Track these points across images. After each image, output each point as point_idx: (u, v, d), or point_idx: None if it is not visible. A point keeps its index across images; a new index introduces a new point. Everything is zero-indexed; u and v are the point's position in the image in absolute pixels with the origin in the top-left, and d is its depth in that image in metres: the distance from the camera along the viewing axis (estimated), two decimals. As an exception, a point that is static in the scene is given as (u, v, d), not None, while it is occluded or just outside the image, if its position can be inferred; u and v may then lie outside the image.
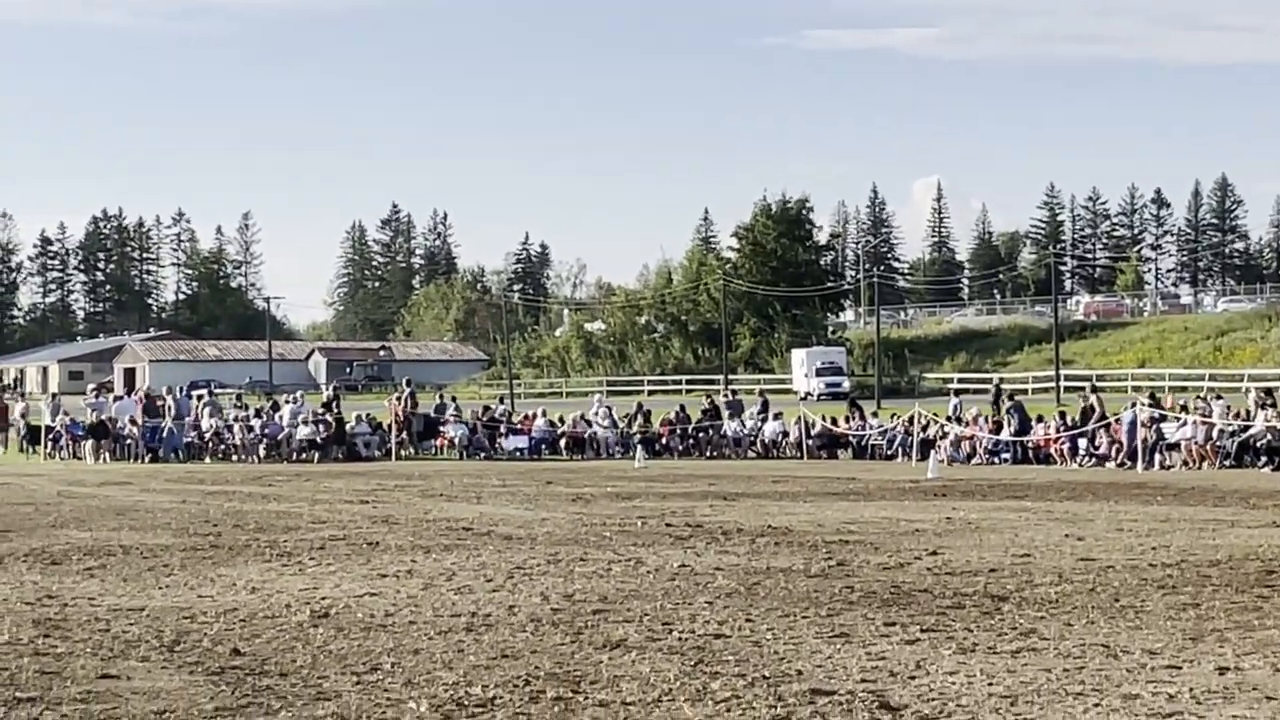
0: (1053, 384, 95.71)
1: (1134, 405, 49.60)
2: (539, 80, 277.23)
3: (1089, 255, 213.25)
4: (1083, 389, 60.99)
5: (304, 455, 54.15)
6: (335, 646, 12.40)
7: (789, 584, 16.16)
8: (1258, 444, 44.51)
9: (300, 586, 16.37)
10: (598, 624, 13.50)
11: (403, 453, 55.65)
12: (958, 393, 72.93)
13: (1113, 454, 47.13)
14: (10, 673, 11.29)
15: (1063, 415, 52.11)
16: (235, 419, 57.56)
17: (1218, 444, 45.43)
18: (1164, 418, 48.18)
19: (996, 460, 49.58)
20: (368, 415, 60.29)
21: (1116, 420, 48.27)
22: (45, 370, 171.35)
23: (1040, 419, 52.91)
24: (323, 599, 15.29)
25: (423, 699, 10.24)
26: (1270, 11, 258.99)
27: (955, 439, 52.01)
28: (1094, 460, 46.97)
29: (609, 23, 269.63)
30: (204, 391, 75.72)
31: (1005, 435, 51.39)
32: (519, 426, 59.80)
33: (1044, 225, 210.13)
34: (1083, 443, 48.19)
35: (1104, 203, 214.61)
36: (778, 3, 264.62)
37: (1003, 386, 61.58)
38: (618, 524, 24.15)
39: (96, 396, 59.92)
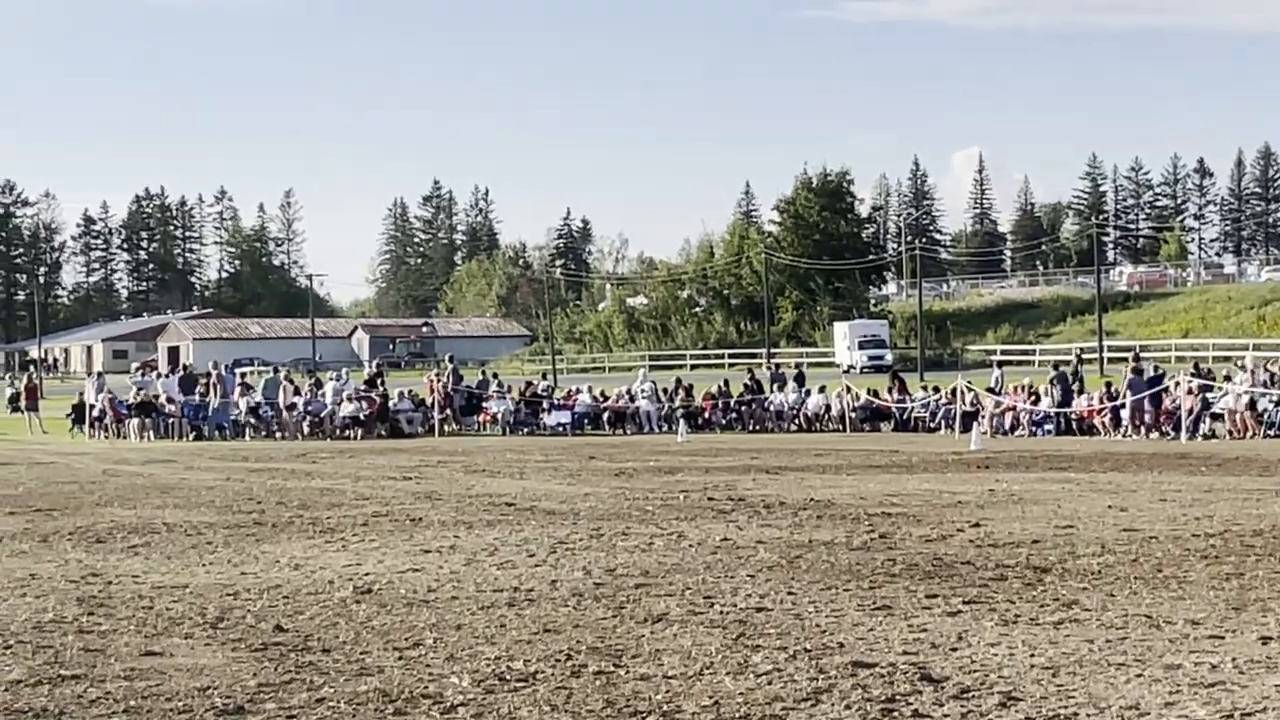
0: (1096, 355, 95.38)
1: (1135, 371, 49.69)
2: (580, 56, 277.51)
3: (1132, 226, 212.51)
4: (1125, 359, 60.95)
5: (347, 432, 54.33)
6: (378, 622, 12.44)
7: (831, 557, 16.15)
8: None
9: (343, 563, 16.43)
10: (639, 598, 13.52)
11: (446, 429, 55.82)
12: (1000, 364, 72.66)
13: (1158, 424, 47.06)
14: (55, 650, 11.34)
15: (1108, 385, 52.07)
16: (286, 395, 57.68)
17: (1261, 414, 45.33)
18: (1209, 387, 48.13)
19: (1039, 432, 49.52)
20: (410, 392, 60.39)
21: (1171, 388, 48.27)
22: (90, 349, 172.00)
23: (1082, 390, 52.91)
24: (366, 575, 15.33)
25: (465, 673, 10.26)
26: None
27: (997, 410, 52.00)
28: (1138, 430, 46.89)
29: (649, 0, 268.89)
30: (251, 369, 75.72)
31: (1045, 406, 51.32)
32: (561, 402, 59.84)
33: (1086, 196, 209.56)
34: (1124, 412, 48.16)
35: (1146, 173, 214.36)
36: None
37: (1083, 357, 61.31)
38: (660, 498, 24.17)
39: (140, 375, 60.20)
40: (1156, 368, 55.53)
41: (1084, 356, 69.41)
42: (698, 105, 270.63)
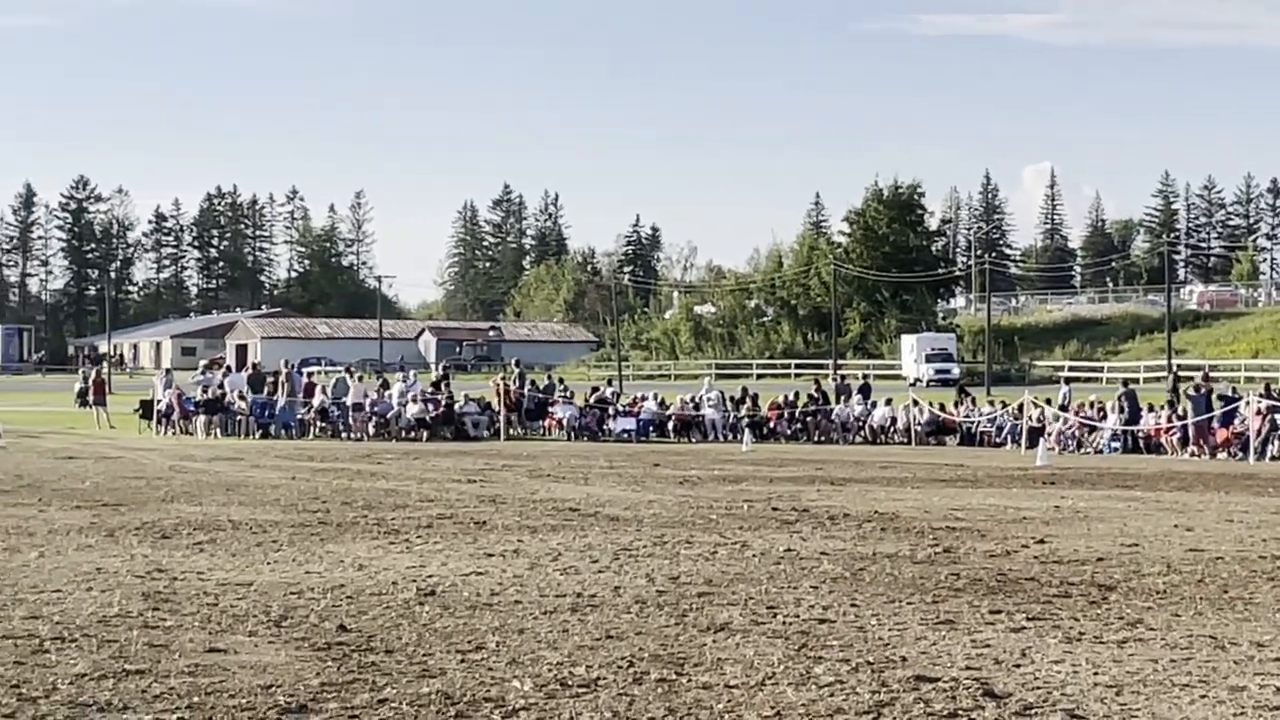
0: (1165, 374, 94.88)
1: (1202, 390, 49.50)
2: (652, 65, 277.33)
3: (1203, 244, 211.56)
4: (1193, 379, 60.66)
5: (412, 434, 54.43)
6: (441, 624, 12.47)
7: (894, 570, 16.13)
8: None
9: (407, 564, 16.48)
10: (702, 606, 13.52)
11: (511, 433, 55.90)
12: (1068, 381, 72.43)
13: (1228, 445, 46.86)
14: (120, 645, 11.41)
15: (1172, 405, 51.90)
16: (353, 395, 57.84)
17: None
18: (1278, 409, 47.93)
19: (1106, 449, 49.35)
20: (479, 397, 60.48)
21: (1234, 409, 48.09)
22: (158, 346, 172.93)
23: (1151, 408, 52.74)
24: (429, 577, 15.37)
25: (527, 678, 10.27)
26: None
27: (1065, 427, 51.86)
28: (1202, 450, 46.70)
29: (721, 10, 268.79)
30: (318, 368, 75.83)
31: (1112, 423, 51.18)
32: (627, 409, 59.90)
33: (1158, 213, 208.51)
34: (1191, 429, 48.03)
35: (1219, 191, 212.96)
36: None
37: (1180, 375, 61.02)
38: (724, 507, 24.19)
39: (206, 373, 60.43)
40: (1233, 389, 55.34)
41: (1180, 375, 68.86)
42: (770, 115, 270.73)
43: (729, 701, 9.62)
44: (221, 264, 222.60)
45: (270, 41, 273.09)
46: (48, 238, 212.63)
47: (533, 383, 64.30)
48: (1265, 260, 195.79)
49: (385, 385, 61.76)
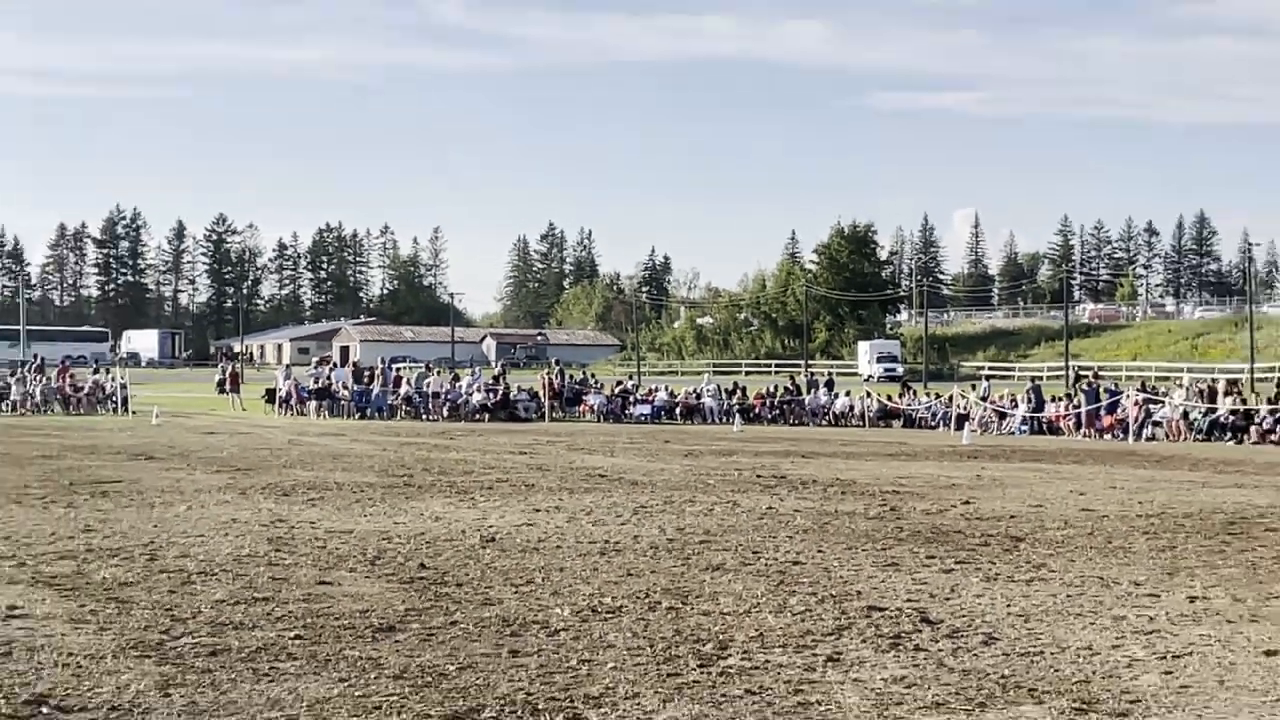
0: (1063, 373, 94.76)
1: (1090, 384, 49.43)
2: (667, 131, 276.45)
3: (1094, 272, 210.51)
4: (1085, 376, 60.65)
5: (477, 416, 54.38)
6: (498, 564, 12.48)
7: (852, 524, 16.12)
8: (1223, 422, 44.19)
9: (472, 517, 16.48)
10: (702, 551, 13.52)
11: (553, 416, 55.82)
12: (987, 378, 72.44)
13: (1111, 428, 46.93)
14: (249, 578, 11.45)
15: (1069, 397, 51.96)
16: (431, 386, 57.88)
17: (1192, 422, 45.15)
18: (1151, 400, 47.98)
19: (1017, 431, 49.31)
20: (529, 388, 60.48)
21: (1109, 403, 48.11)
22: (280, 346, 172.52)
23: (1053, 399, 52.77)
24: (489, 527, 15.38)
25: (565, 605, 10.28)
26: (1236, 83, 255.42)
27: (988, 410, 51.90)
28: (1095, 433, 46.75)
29: (724, 89, 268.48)
30: (405, 365, 75.85)
31: (1022, 411, 51.16)
32: (644, 398, 59.84)
33: (1058, 247, 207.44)
34: (1083, 411, 48.13)
35: (1106, 230, 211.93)
36: (853, 72, 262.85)
37: (1078, 373, 61.00)
38: (719, 474, 24.16)
39: (317, 368, 60.52)
40: (1115, 384, 55.39)
41: (1078, 373, 68.72)
42: (759, 170, 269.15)
43: (723, 625, 9.64)
44: (329, 283, 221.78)
45: (367, 106, 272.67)
46: (194, 262, 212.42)
47: (570, 377, 64.50)
48: (1142, 284, 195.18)
49: (456, 378, 61.69)
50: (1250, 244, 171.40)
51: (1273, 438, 41.60)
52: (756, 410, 57.92)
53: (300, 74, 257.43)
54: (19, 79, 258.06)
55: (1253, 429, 42.86)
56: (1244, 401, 47.21)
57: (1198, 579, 12.02)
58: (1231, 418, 44.43)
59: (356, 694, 7.55)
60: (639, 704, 7.43)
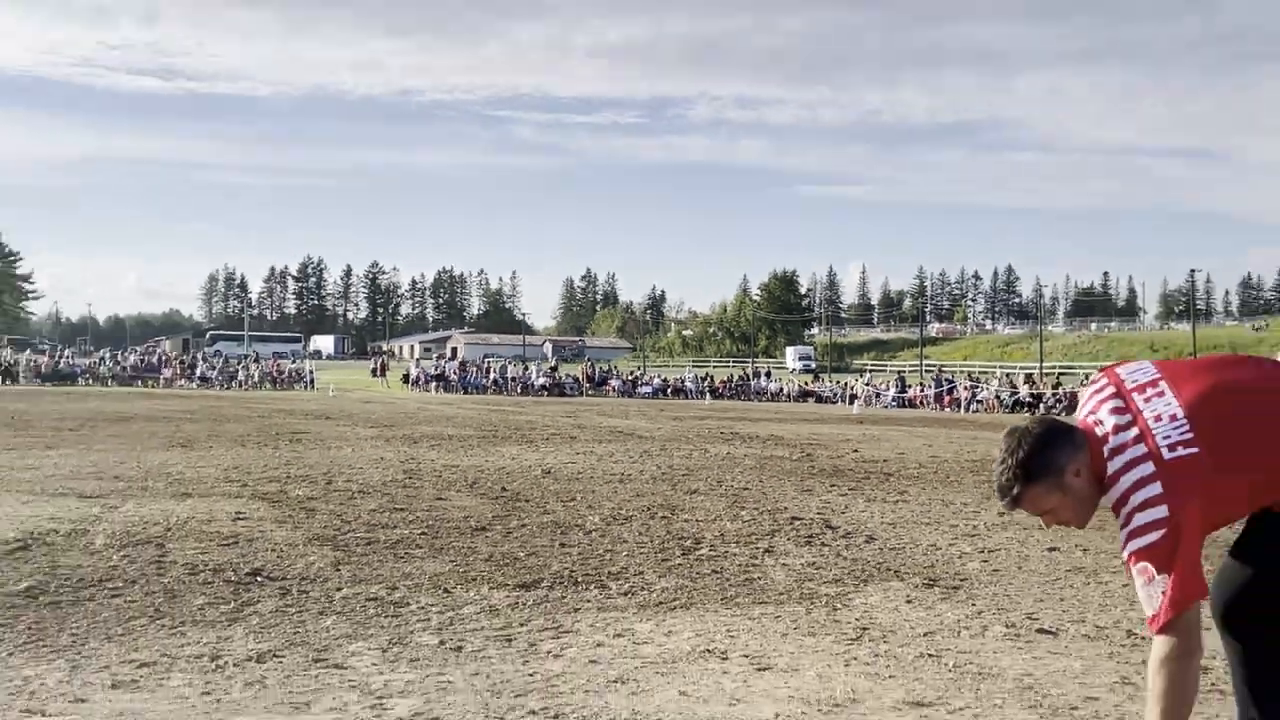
0: (919, 369, 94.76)
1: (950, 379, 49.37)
2: (664, 209, 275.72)
3: (939, 302, 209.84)
4: (933, 371, 60.57)
5: (540, 393, 54.47)
6: (553, 488, 12.48)
7: (781, 464, 16.12)
8: (1023, 401, 44.40)
9: (536, 458, 16.48)
10: (684, 480, 13.51)
11: (587, 394, 55.84)
12: (869, 371, 72.41)
13: (950, 404, 46.93)
14: (391, 495, 11.46)
15: (922, 386, 51.90)
16: (509, 373, 57.92)
17: (1002, 401, 45.22)
18: (975, 387, 47.99)
19: (894, 405, 49.28)
20: (574, 375, 60.54)
21: (949, 390, 48.07)
22: (412, 347, 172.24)
23: (912, 386, 52.75)
24: (547, 464, 15.37)
25: (595, 514, 10.28)
26: (1027, 179, 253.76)
27: (871, 392, 51.91)
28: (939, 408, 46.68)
29: (702, 185, 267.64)
30: (495, 360, 76.00)
31: (893, 393, 51.17)
32: (647, 382, 59.91)
33: (917, 286, 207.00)
34: (934, 396, 48.09)
35: (947, 275, 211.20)
36: (785, 172, 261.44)
37: (942, 374, 60.91)
38: (696, 432, 24.16)
39: (437, 360, 60.66)
40: (952, 377, 55.36)
41: (943, 369, 68.43)
42: (724, 234, 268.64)
43: (697, 528, 9.64)
44: (444, 305, 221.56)
45: (472, 191, 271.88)
46: (358, 291, 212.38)
47: (599, 368, 64.55)
48: (970, 311, 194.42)
49: (525, 368, 61.86)
50: (1041, 285, 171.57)
51: (1054, 411, 41.73)
52: (720, 391, 57.98)
53: (429, 170, 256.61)
54: (258, 174, 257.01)
55: (1041, 405, 43.09)
56: (1035, 388, 47.44)
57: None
58: (1028, 398, 44.71)
59: (460, 570, 7.58)
60: (643, 578, 7.44)
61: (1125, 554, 3.48)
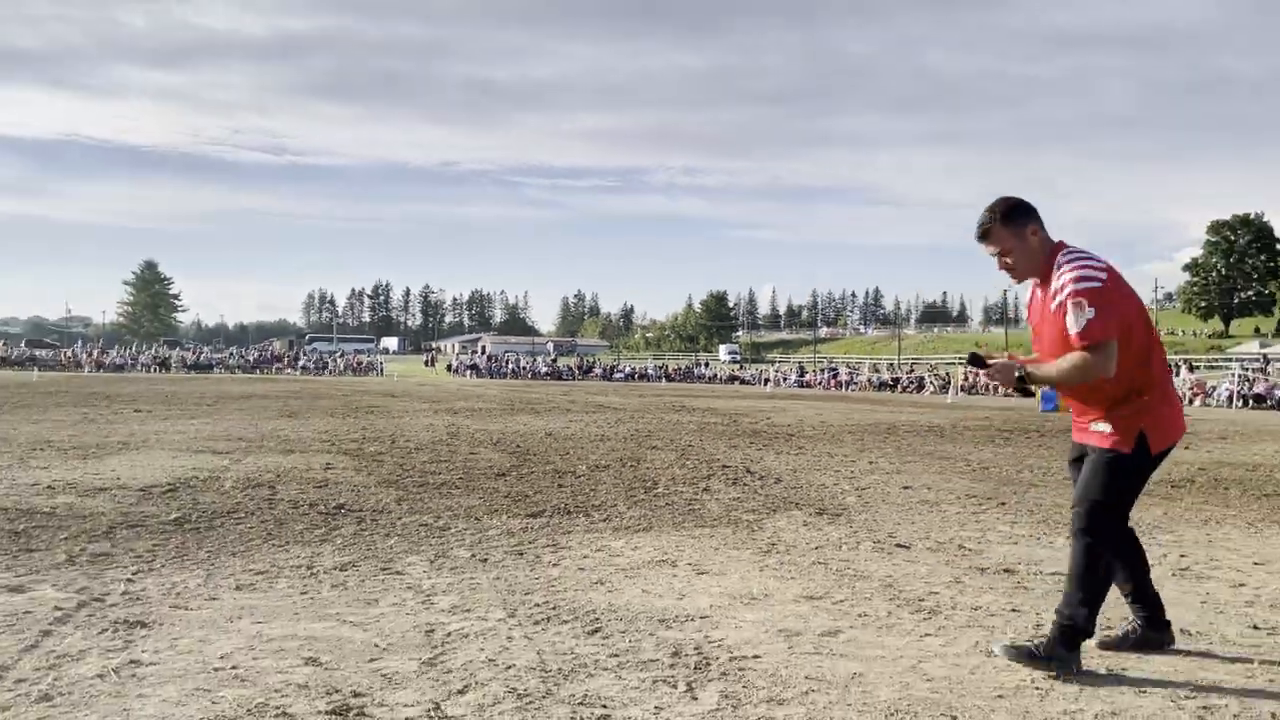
0: (814, 360, 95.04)
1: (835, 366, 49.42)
2: (632, 250, 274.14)
3: (829, 314, 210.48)
4: (822, 362, 60.77)
5: (544, 378, 54.23)
6: (553, 444, 12.40)
7: (715, 428, 16.08)
8: (888, 382, 44.50)
9: (541, 423, 16.36)
10: (647, 439, 13.46)
11: (578, 379, 55.67)
12: (779, 362, 72.44)
13: (835, 386, 46.96)
14: (436, 451, 11.35)
15: (816, 372, 51.87)
16: (522, 363, 57.64)
17: (878, 383, 45.26)
18: (853, 372, 47.99)
19: (796, 386, 49.40)
20: (569, 365, 60.33)
21: (834, 374, 48.08)
22: (453, 345, 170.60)
23: (808, 373, 52.77)
24: (549, 427, 15.28)
25: (582, 463, 10.22)
26: (883, 225, 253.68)
27: (779, 376, 51.99)
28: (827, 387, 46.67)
29: (659, 231, 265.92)
30: (512, 355, 75.62)
31: (794, 377, 51.26)
32: (622, 370, 59.82)
33: (813, 300, 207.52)
34: (824, 379, 48.11)
35: (832, 293, 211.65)
36: (718, 219, 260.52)
37: (829, 364, 61.15)
38: (656, 406, 24.10)
39: (471, 354, 60.26)
40: (835, 365, 55.51)
41: (831, 360, 68.60)
42: (676, 266, 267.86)
43: (655, 474, 9.59)
44: (476, 315, 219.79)
45: (503, 236, 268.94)
46: (412, 305, 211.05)
47: (587, 361, 64.36)
48: (849, 319, 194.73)
49: (534, 360, 61.60)
50: (899, 301, 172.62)
51: (907, 391, 41.91)
52: (673, 376, 57.94)
53: (465, 218, 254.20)
54: (342, 221, 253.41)
55: (898, 386, 43.24)
56: (894, 374, 47.51)
57: (872, 454, 12.05)
58: (890, 380, 44.85)
59: (486, 504, 7.53)
60: (617, 509, 7.42)
61: (1064, 294, 3.48)
